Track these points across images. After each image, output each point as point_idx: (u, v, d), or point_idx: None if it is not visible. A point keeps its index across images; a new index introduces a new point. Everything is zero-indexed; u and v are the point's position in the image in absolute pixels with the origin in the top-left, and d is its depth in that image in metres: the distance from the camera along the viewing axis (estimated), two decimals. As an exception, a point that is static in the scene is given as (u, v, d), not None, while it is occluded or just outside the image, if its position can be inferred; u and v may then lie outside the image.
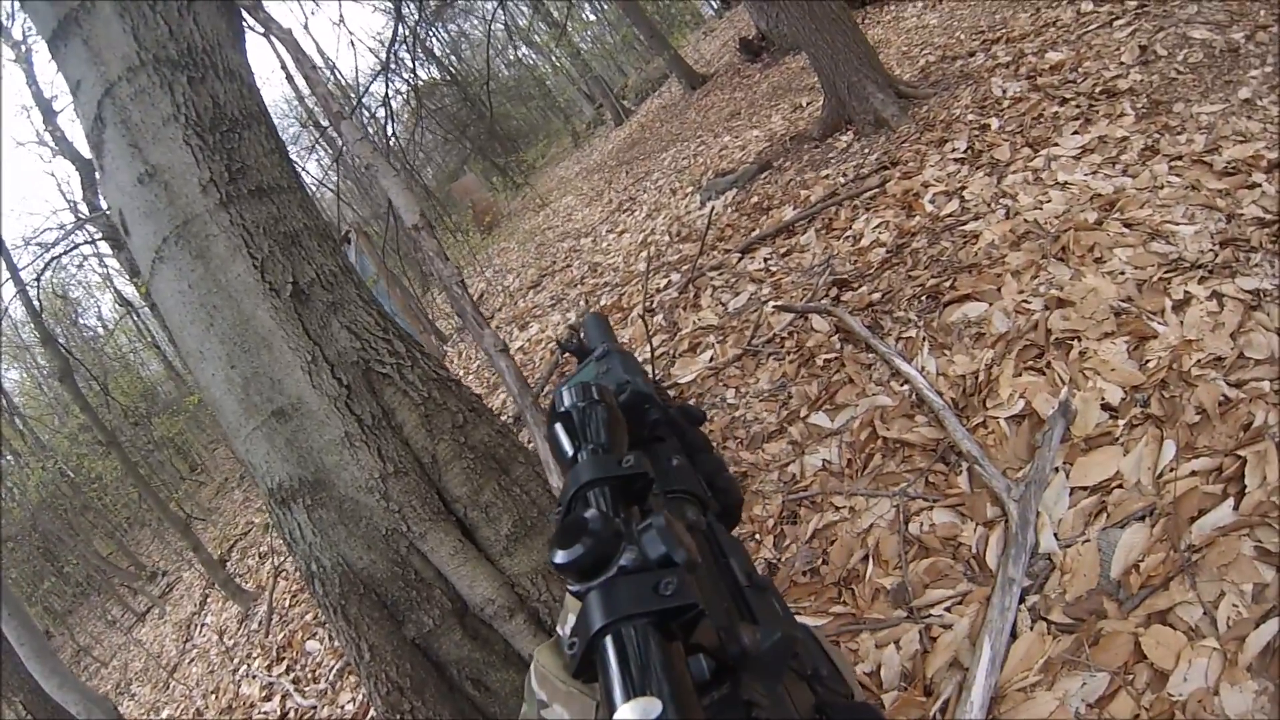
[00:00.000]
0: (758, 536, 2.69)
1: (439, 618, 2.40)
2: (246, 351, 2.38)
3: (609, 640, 0.41)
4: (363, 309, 2.56)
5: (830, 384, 3.14)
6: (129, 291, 14.56)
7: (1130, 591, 1.90)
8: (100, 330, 22.73)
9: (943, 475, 2.47)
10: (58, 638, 15.67)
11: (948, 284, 3.19)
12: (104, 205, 12.51)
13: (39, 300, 9.07)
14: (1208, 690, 1.64)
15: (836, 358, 3.24)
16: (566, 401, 0.63)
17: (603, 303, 5.99)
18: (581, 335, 1.02)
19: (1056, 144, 3.86)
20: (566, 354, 0.89)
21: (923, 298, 3.24)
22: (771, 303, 3.95)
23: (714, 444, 2.90)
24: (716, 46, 19.08)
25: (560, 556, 0.46)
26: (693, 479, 0.71)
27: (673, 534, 0.46)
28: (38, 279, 9.23)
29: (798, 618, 1.95)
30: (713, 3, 26.66)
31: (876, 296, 3.43)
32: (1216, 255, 2.64)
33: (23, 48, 10.04)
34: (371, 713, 3.68)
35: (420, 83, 9.67)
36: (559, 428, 0.62)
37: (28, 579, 15.29)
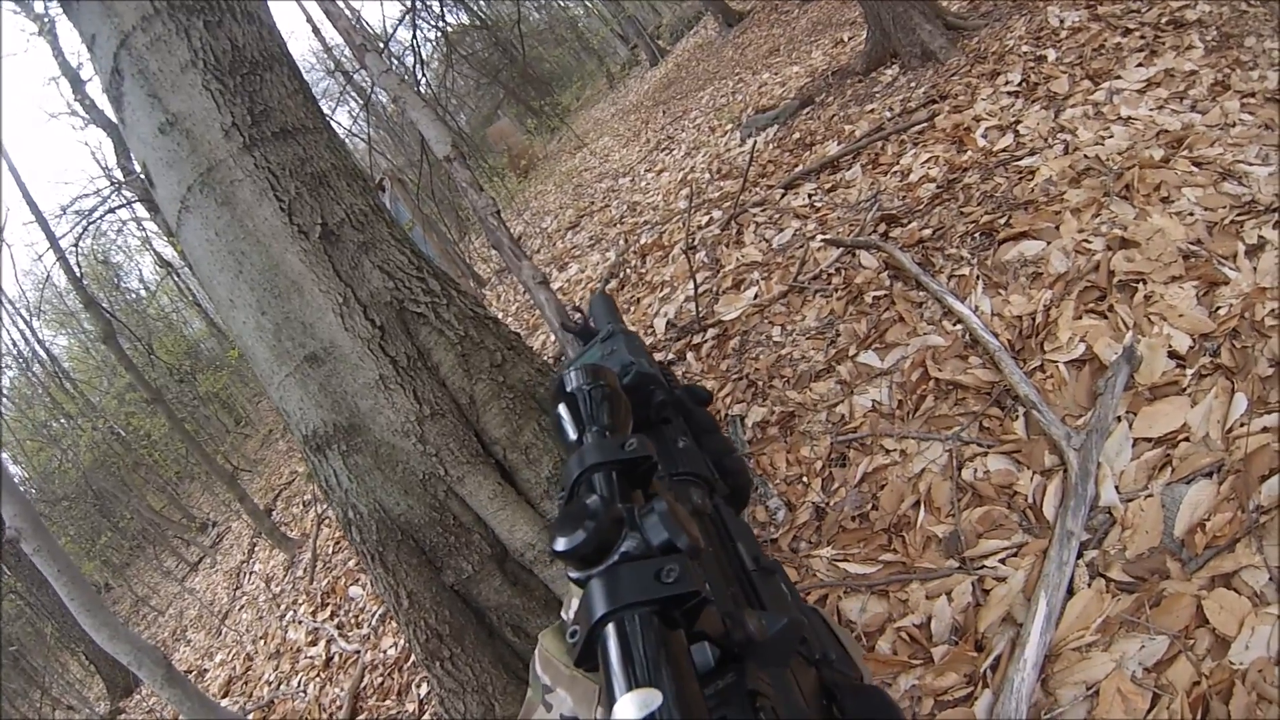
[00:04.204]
0: (805, 479, 2.61)
1: (478, 563, 2.38)
2: (277, 297, 2.34)
3: (610, 629, 0.40)
4: (395, 248, 2.49)
5: (880, 322, 3.02)
6: (169, 253, 14.86)
7: (1194, 551, 1.80)
8: (143, 292, 23.33)
9: (998, 420, 2.36)
10: (117, 589, 16.35)
11: (1003, 221, 3.04)
12: (136, 167, 12.67)
13: (79, 266, 9.22)
14: (1269, 660, 1.55)
15: (886, 295, 3.12)
16: (572, 384, 0.63)
17: (642, 241, 5.89)
18: (588, 316, 1.04)
19: (1119, 77, 3.66)
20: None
21: (976, 235, 3.10)
22: (819, 237, 3.83)
23: (761, 384, 2.80)
24: (754, -19, 18.67)
25: (561, 543, 0.46)
26: (699, 461, 0.70)
27: (675, 519, 0.46)
28: (76, 244, 9.38)
29: (847, 565, 1.87)
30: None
31: (927, 233, 3.28)
32: (1291, 198, 2.47)
33: (45, 20, 10.04)
34: (412, 658, 3.72)
35: (449, 28, 9.52)
36: (563, 409, 0.62)
37: (85, 535, 15.88)
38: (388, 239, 2.50)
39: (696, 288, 4.07)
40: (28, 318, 15.63)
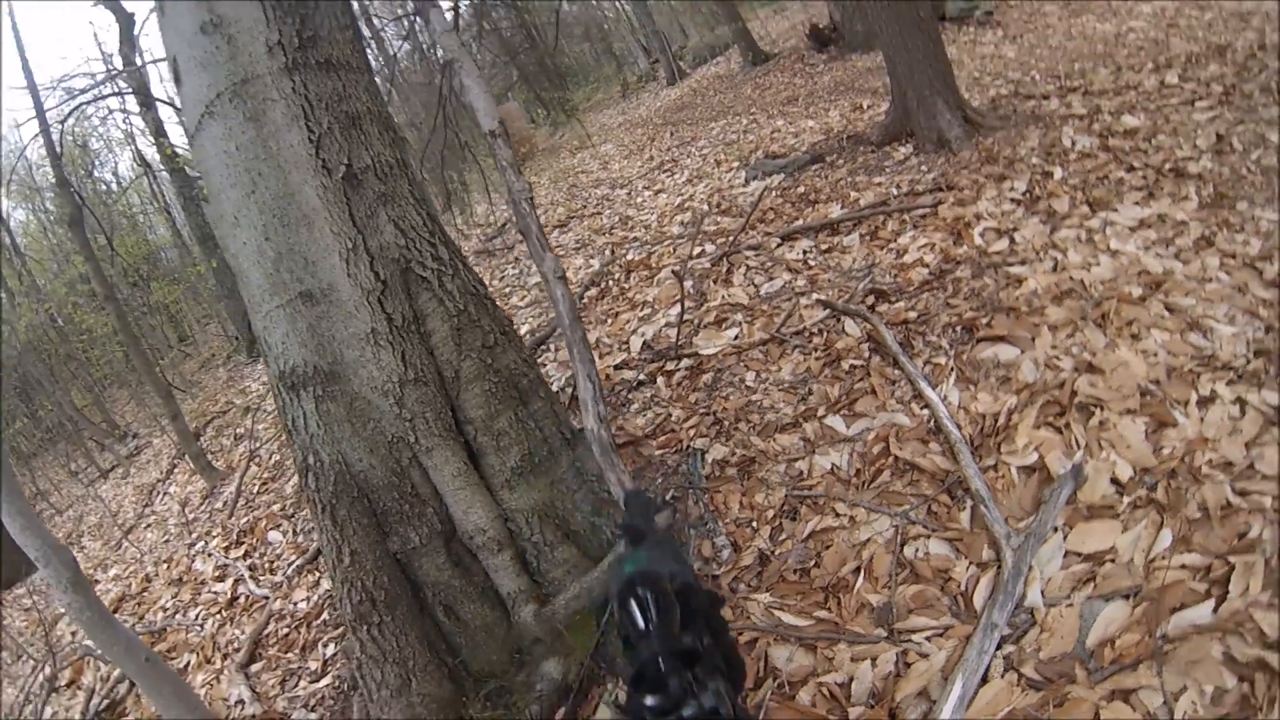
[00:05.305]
0: (755, 525, 2.70)
1: (426, 536, 2.40)
2: (285, 226, 2.34)
3: None
4: (413, 207, 2.49)
5: (852, 390, 3.13)
6: (150, 153, 14.42)
7: (1101, 664, 1.92)
8: (114, 186, 22.61)
9: (946, 507, 2.48)
10: (18, 477, 15.63)
11: (984, 321, 3.19)
12: (139, 60, 12.36)
13: (60, 144, 8.90)
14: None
15: (863, 366, 3.23)
16: (637, 587, 0.83)
17: (630, 257, 5.91)
18: (625, 508, 1.25)
19: (1116, 210, 3.83)
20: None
21: (957, 328, 3.24)
22: (815, 295, 3.93)
23: (727, 424, 2.87)
24: (785, 27, 18.92)
25: (650, 700, 0.73)
26: (716, 655, 0.88)
27: (723, 696, 0.74)
28: (62, 123, 9.06)
29: (782, 614, 1.98)
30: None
31: (912, 315, 3.42)
32: (1249, 362, 2.64)
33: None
34: (324, 615, 3.66)
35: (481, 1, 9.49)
36: (633, 604, 0.82)
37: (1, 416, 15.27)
38: (408, 196, 2.49)
39: (683, 315, 4.13)
40: (-10, 182, 15.09)
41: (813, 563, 2.47)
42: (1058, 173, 4.42)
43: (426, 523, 2.40)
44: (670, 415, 3.48)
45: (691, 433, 3.28)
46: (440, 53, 2.81)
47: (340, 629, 3.42)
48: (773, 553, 2.56)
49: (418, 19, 8.24)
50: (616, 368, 4.19)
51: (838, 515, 2.59)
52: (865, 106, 8.22)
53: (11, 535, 2.93)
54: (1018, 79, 7.31)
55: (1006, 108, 6.05)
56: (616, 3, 26.69)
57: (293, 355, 2.36)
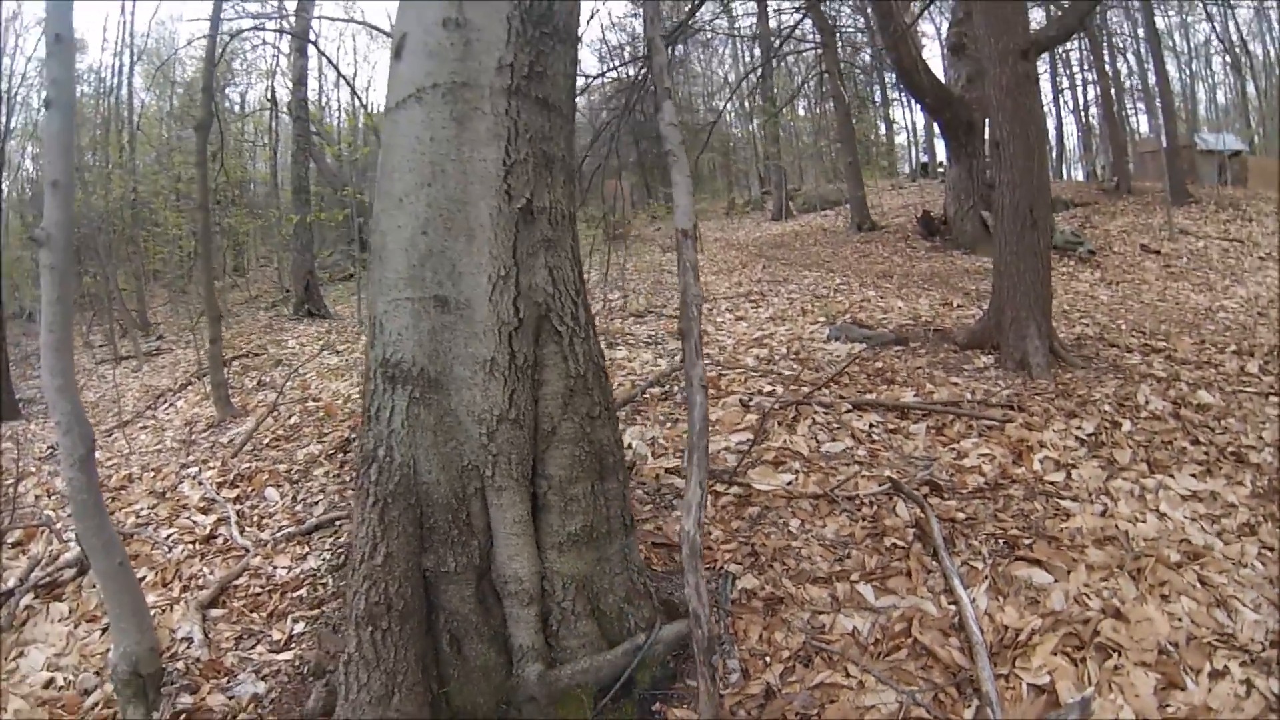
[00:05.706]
0: (768, 659, 2.76)
1: (463, 566, 2.43)
2: (448, 229, 2.40)
3: None
4: (570, 263, 2.59)
5: (888, 567, 3.22)
6: (282, 94, 15.00)
7: None
8: (237, 109, 23.37)
9: (952, 699, 2.53)
10: (29, 327, 15.77)
11: (1026, 542, 3.29)
12: (313, 11, 12.88)
13: (220, 52, 9.17)
14: None
15: (905, 548, 3.33)
16: None
17: (697, 372, 6.00)
18: None
19: (1173, 476, 3.94)
20: None
21: (1000, 541, 3.34)
22: (884, 471, 4.02)
23: (763, 559, 2.95)
24: (898, 204, 19.44)
25: None
26: None
27: None
28: (231, 38, 9.35)
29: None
30: (911, 163, 27.31)
31: (960, 516, 3.53)
32: (1264, 649, 2.71)
33: None
34: (303, 591, 3.58)
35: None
36: None
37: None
38: (568, 251, 2.60)
39: (751, 446, 4.24)
40: (135, 56, 15.68)
41: (815, 711, 2.52)
42: (1126, 425, 4.56)
43: (468, 553, 2.45)
44: (710, 534, 3.56)
45: (727, 556, 3.36)
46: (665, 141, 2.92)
47: (316, 610, 3.39)
48: (779, 690, 2.62)
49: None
50: (667, 471, 4.28)
51: (848, 675, 2.65)
52: (955, 304, 8.46)
53: (45, 391, 2.77)
54: (1104, 323, 7.53)
55: (1090, 349, 6.24)
56: (752, 128, 27.34)
57: (404, 350, 2.42)
